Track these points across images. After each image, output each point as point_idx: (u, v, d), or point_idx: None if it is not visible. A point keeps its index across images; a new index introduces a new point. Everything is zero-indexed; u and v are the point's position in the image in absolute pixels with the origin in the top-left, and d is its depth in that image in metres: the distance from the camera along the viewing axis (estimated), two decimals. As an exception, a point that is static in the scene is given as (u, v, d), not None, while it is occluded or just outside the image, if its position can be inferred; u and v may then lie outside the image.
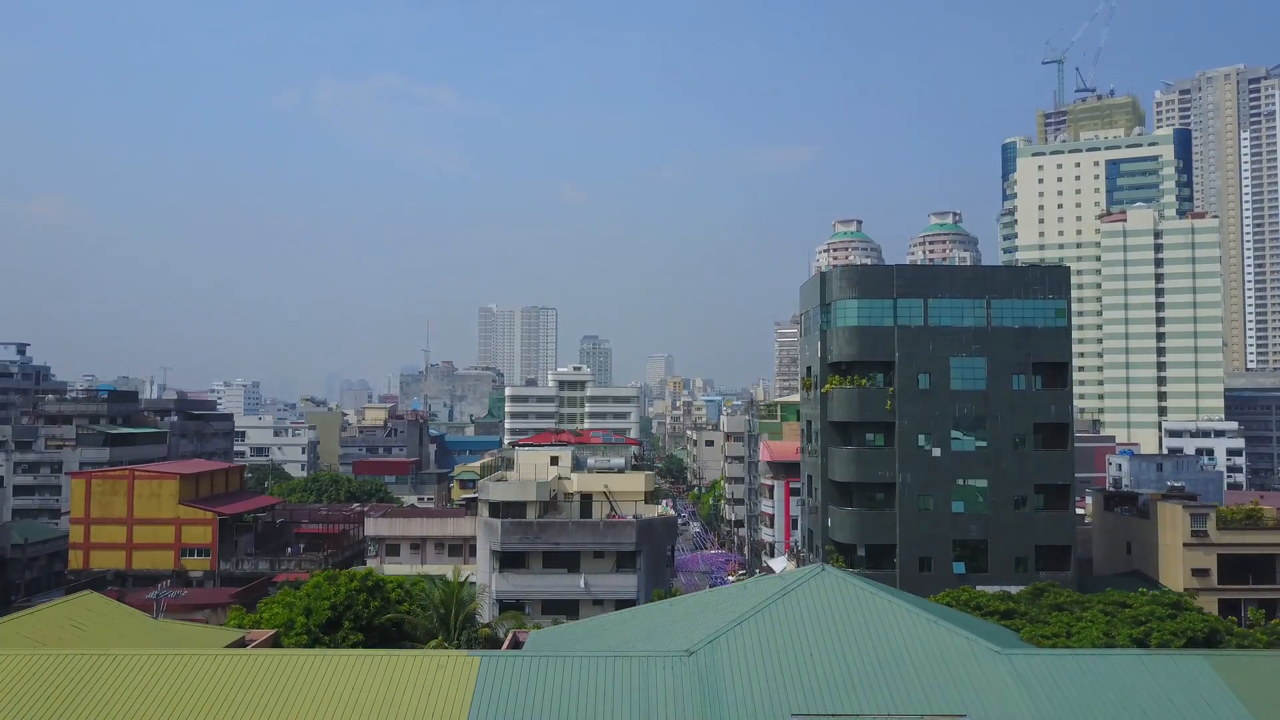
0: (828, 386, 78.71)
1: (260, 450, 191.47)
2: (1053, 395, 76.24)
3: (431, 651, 36.14)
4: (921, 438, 76.06)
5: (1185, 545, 73.90)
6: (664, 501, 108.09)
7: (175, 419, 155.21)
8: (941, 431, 75.90)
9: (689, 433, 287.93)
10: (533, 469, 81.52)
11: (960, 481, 75.65)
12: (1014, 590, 67.62)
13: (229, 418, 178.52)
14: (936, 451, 75.85)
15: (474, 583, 70.00)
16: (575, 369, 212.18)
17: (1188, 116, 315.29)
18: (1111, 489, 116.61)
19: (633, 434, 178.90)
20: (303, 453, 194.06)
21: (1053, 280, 77.01)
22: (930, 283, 76.59)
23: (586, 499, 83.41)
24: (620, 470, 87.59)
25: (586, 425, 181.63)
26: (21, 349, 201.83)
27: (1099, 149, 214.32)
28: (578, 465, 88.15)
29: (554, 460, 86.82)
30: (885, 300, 76.54)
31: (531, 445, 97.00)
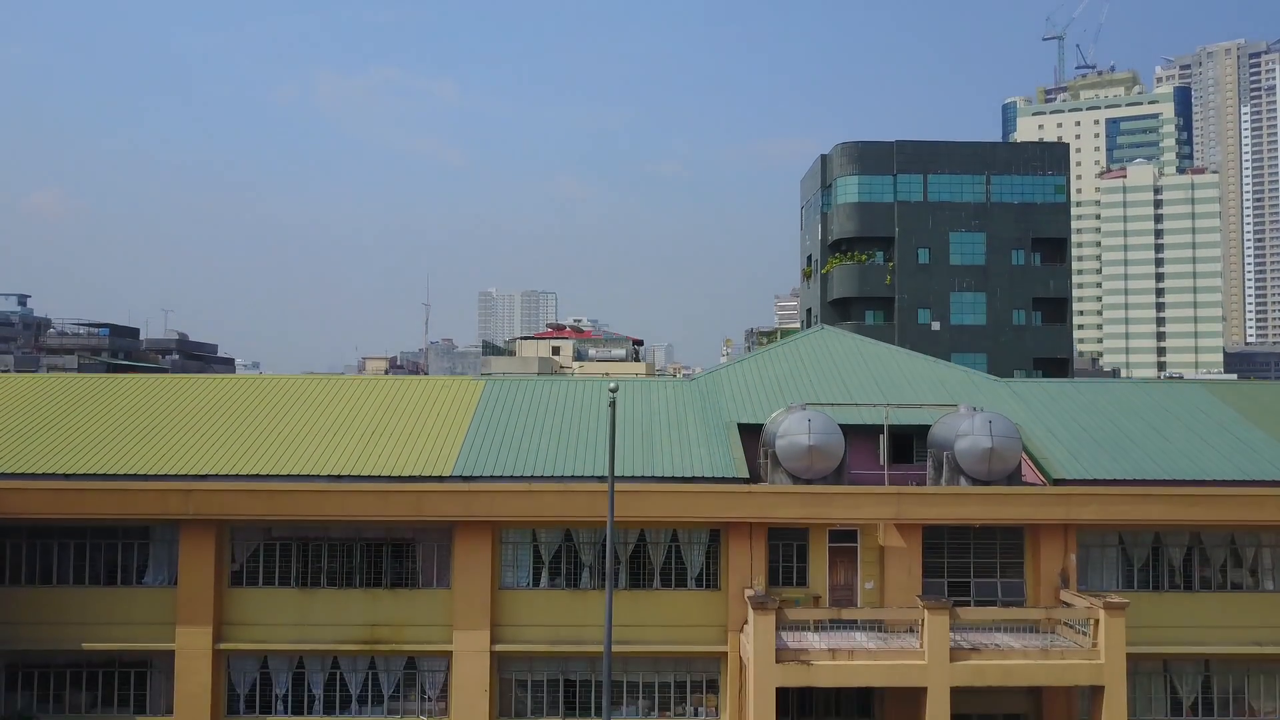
0: (828, 267, 79.13)
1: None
2: (1051, 270, 76.61)
3: (439, 376, 36.54)
4: (921, 313, 76.52)
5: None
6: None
7: (176, 357, 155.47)
8: (941, 306, 76.31)
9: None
10: (534, 349, 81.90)
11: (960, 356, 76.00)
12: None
13: (230, 361, 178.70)
14: (936, 326, 76.27)
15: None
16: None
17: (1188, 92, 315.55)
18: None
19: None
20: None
21: (1052, 156, 77.45)
22: (930, 158, 76.96)
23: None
24: (621, 359, 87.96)
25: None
26: (23, 300, 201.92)
27: (1099, 107, 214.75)
28: (579, 356, 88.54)
29: (555, 350, 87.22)
30: (885, 176, 76.96)
31: (533, 339, 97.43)
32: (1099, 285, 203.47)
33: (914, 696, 27.69)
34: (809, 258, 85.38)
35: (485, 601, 29.45)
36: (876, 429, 32.31)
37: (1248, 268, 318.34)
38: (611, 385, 20.32)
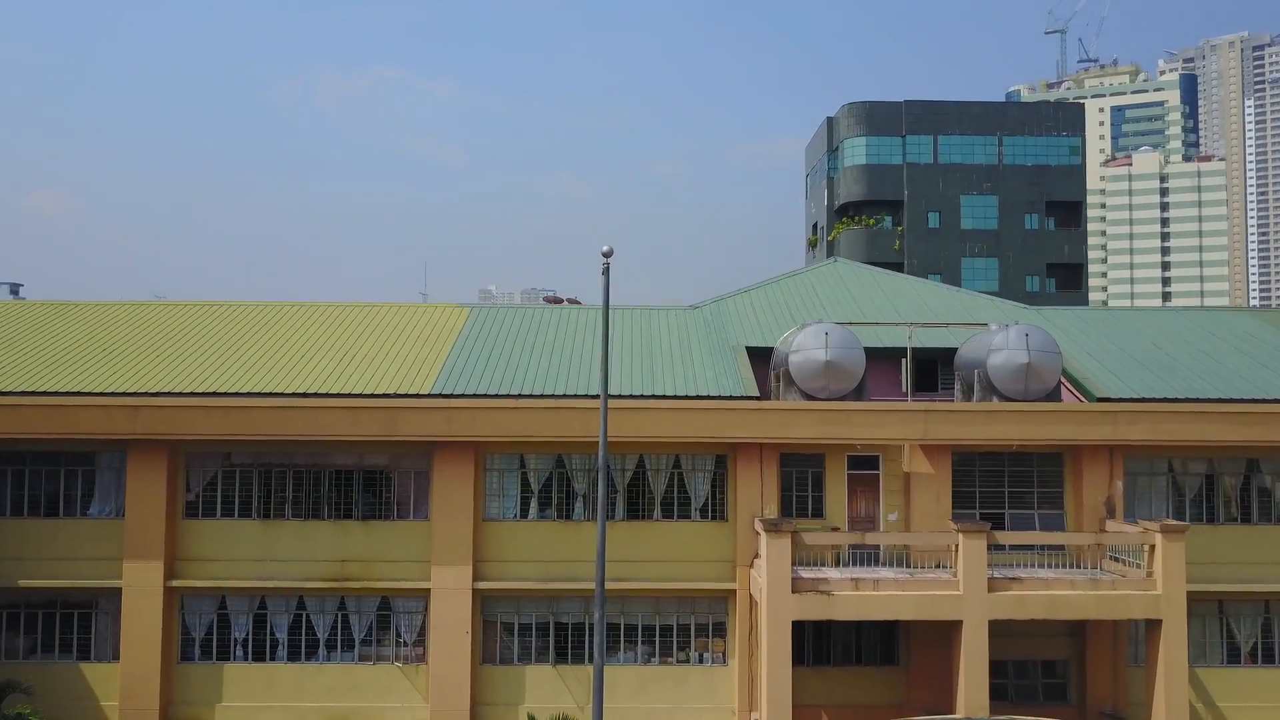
0: (834, 233, 76.23)
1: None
2: (1067, 235, 73.77)
3: (419, 303, 33.69)
4: (931, 279, 73.47)
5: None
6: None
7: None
8: (951, 272, 73.32)
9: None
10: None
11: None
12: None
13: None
14: (946, 293, 73.34)
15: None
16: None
17: (1194, 79, 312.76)
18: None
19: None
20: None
21: (1066, 116, 74.58)
22: (940, 119, 74.07)
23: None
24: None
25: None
26: (15, 289, 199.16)
27: (1104, 95, 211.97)
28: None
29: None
30: (894, 137, 74.06)
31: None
32: (1104, 275, 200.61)
33: (945, 637, 24.78)
34: (814, 225, 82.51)
35: (467, 534, 26.50)
36: (898, 353, 29.38)
37: (1251, 261, 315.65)
38: (605, 249, 17.53)
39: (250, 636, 26.89)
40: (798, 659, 25.17)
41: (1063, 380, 28.50)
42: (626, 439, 25.60)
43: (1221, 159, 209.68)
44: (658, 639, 26.99)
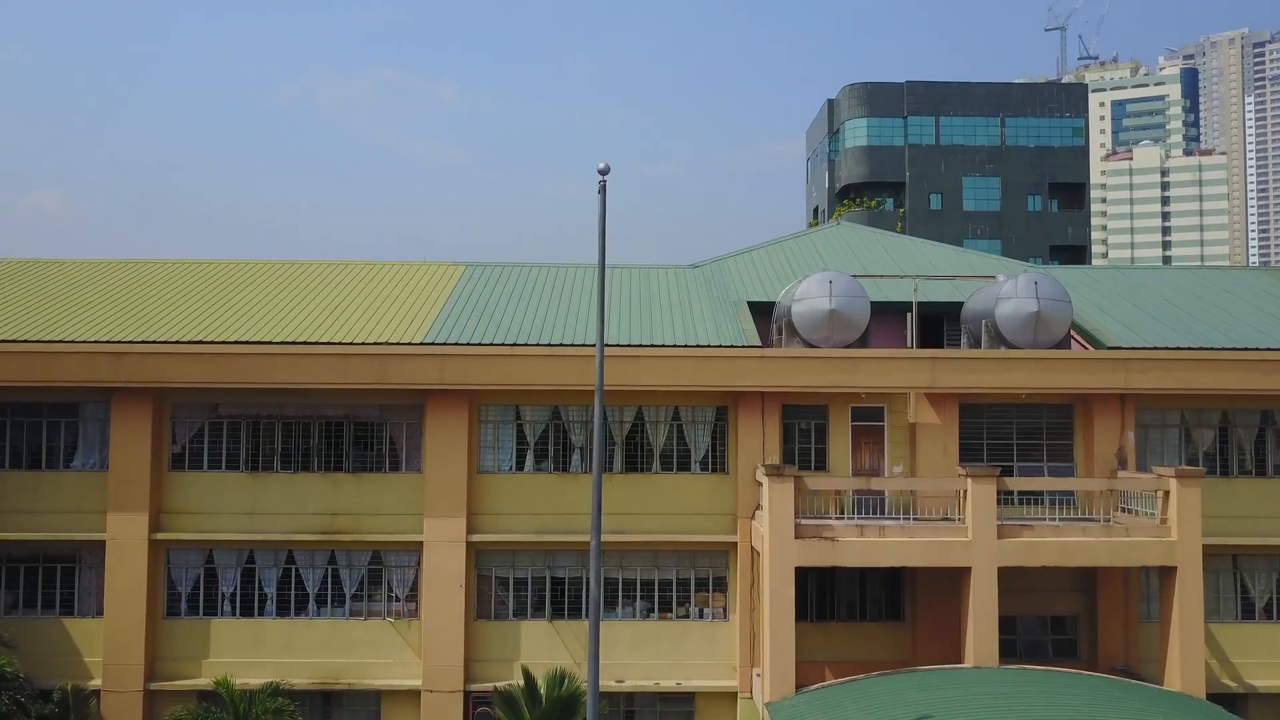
0: (835, 215, 75.52)
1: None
2: (1069, 217, 73.24)
3: (413, 262, 33.03)
4: (933, 261, 72.92)
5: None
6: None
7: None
8: (954, 254, 72.68)
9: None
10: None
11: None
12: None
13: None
14: (948, 275, 72.73)
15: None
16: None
17: (1195, 73, 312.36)
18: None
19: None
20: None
21: (1070, 97, 74.06)
22: (942, 100, 73.52)
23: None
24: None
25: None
26: None
27: (1104, 89, 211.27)
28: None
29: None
30: (896, 119, 73.53)
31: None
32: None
33: (952, 591, 24.08)
34: (815, 209, 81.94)
35: (461, 486, 25.77)
36: (903, 308, 28.65)
37: (1252, 259, 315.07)
38: (601, 165, 16.79)
39: (238, 591, 26.16)
40: (800, 614, 24.33)
41: (1072, 334, 27.79)
42: (625, 388, 24.85)
43: (1223, 153, 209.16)
44: (656, 594, 26.28)
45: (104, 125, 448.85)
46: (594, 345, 22.48)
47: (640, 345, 25.97)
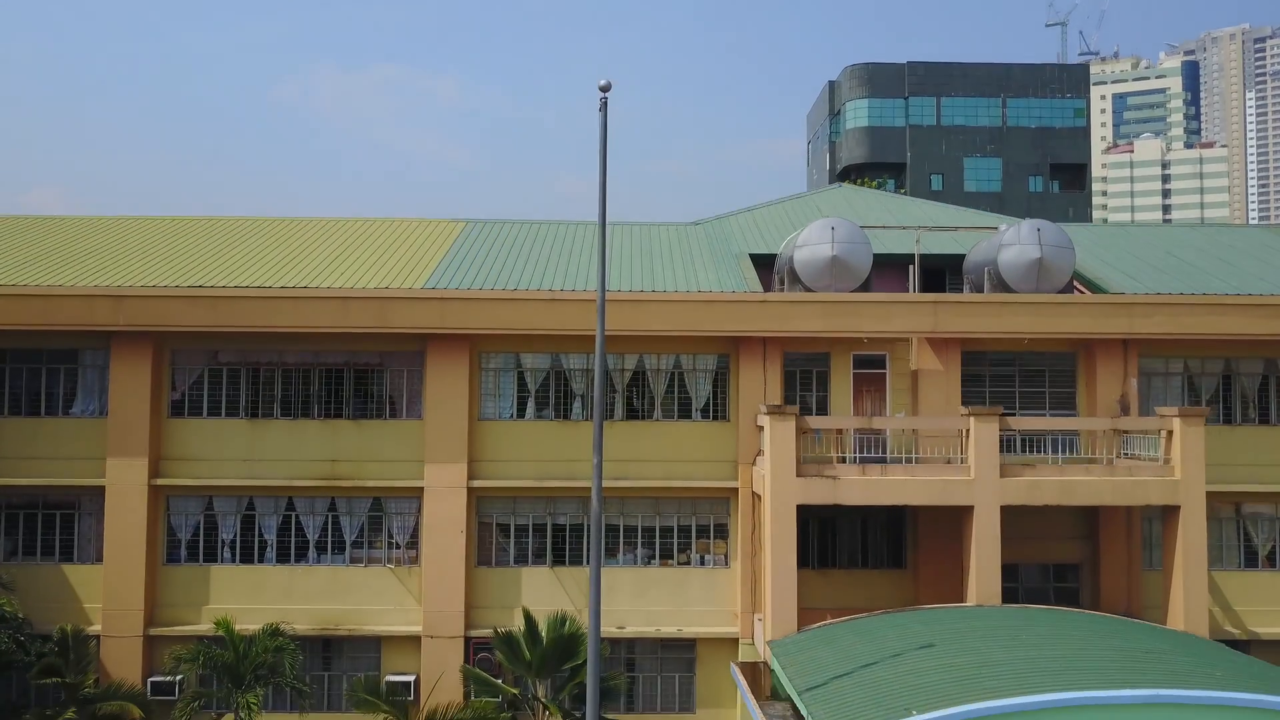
0: (836, 197, 75.53)
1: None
2: (1071, 198, 73.14)
3: (412, 218, 32.95)
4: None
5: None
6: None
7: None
8: (955, 235, 72.67)
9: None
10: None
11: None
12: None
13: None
14: (949, 255, 72.71)
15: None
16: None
17: (1196, 66, 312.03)
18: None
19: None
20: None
21: (1071, 78, 73.97)
22: (944, 81, 73.43)
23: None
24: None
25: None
26: None
27: (1105, 83, 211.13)
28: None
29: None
30: (897, 99, 73.43)
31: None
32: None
33: (954, 537, 24.04)
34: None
35: (462, 432, 25.68)
36: (905, 260, 28.57)
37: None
38: (603, 82, 16.64)
39: (238, 538, 26.09)
40: (802, 562, 24.22)
41: (1075, 284, 27.72)
42: (626, 333, 24.72)
43: (1223, 145, 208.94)
44: (658, 541, 26.20)
45: (104, 123, 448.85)
46: (594, 291, 21.96)
47: (642, 292, 25.86)
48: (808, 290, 26.28)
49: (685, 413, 26.28)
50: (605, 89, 16.99)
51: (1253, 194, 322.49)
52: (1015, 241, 26.06)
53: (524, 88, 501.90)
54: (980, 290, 27.29)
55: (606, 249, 18.76)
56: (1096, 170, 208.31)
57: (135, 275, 26.88)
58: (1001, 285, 26.41)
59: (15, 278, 26.52)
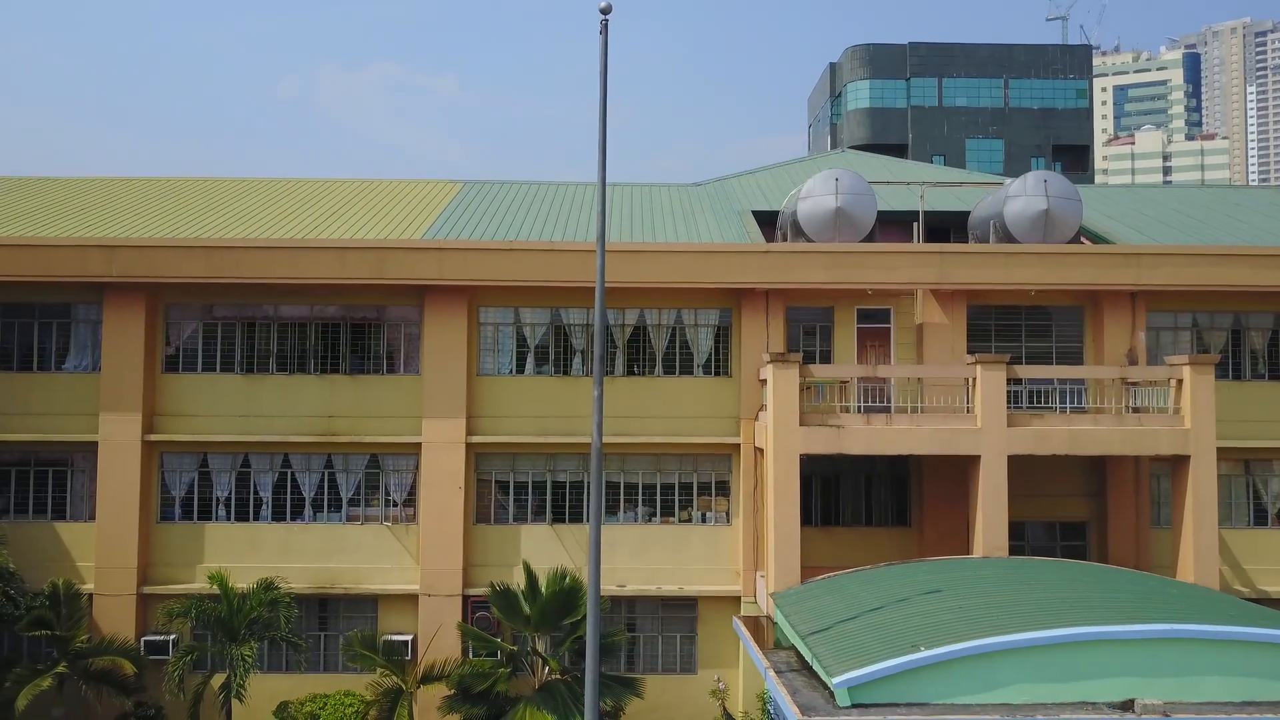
0: (837, 179, 75.15)
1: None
2: (1073, 179, 72.28)
3: (410, 179, 32.59)
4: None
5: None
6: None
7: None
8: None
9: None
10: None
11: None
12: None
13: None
14: (951, 237, 72.33)
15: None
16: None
17: (1197, 58, 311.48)
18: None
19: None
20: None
21: (1074, 59, 73.52)
22: (945, 61, 73.00)
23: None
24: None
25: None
26: None
27: (1106, 74, 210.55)
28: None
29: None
30: (898, 80, 72.99)
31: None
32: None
33: (959, 495, 23.63)
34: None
35: (460, 388, 25.29)
36: (909, 218, 28.20)
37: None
38: (604, 4, 16.24)
39: (233, 495, 25.70)
40: (805, 520, 23.75)
41: (1082, 238, 27.32)
42: (626, 284, 24.27)
43: (1225, 137, 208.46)
44: (659, 498, 25.81)
45: (103, 121, 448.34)
46: (594, 242, 20.66)
47: (642, 242, 25.49)
48: (811, 242, 25.88)
49: (687, 368, 25.90)
50: (606, 10, 16.62)
51: (1254, 182, 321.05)
52: (1021, 193, 25.69)
53: (524, 87, 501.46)
54: (985, 242, 26.88)
55: (606, 206, 18.34)
56: (1097, 162, 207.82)
57: (130, 229, 26.51)
58: (1008, 238, 26.02)
59: (7, 230, 26.14)
